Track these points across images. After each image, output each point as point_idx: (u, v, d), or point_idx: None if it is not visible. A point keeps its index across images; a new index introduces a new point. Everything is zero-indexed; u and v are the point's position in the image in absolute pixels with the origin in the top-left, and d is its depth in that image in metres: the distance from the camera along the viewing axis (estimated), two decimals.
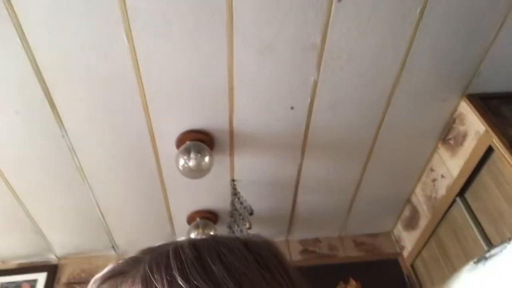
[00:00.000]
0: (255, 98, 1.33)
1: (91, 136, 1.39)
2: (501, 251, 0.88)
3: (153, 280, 0.34)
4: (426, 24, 1.19)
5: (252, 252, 0.38)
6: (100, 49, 1.15)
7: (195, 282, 0.33)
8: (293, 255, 2.03)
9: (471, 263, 0.99)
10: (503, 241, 0.92)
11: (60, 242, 1.88)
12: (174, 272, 0.34)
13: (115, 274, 0.38)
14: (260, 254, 0.39)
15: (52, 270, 1.89)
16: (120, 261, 0.39)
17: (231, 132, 1.43)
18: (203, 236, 0.41)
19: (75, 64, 1.18)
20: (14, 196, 1.57)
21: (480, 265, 0.95)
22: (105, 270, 0.39)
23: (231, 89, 1.28)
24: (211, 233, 1.76)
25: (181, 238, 0.41)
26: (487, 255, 0.96)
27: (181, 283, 0.33)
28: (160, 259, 0.36)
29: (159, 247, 0.39)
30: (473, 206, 1.49)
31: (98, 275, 0.39)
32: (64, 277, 1.90)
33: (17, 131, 1.34)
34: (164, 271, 0.35)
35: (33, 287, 1.83)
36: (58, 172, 1.51)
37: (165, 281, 0.34)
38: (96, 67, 1.18)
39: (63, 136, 1.37)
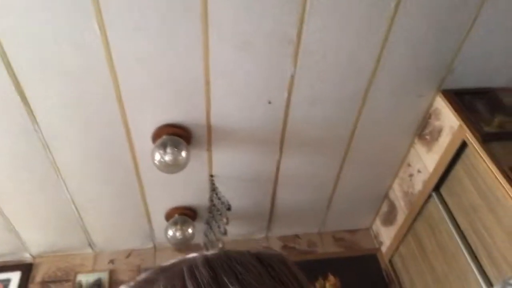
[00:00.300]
0: (232, 92, 1.32)
1: (64, 130, 1.36)
2: None
3: None
4: (401, 19, 1.20)
5: (265, 266, 0.38)
6: (72, 40, 1.12)
7: None
8: None
9: None
10: None
11: (35, 240, 1.84)
12: None
13: None
14: (273, 267, 0.38)
15: (26, 269, 1.85)
16: (132, 283, 0.38)
17: (209, 127, 1.42)
18: (214, 252, 0.40)
19: (47, 57, 1.15)
20: None
21: None
22: None
23: (207, 83, 1.27)
24: (190, 230, 1.74)
25: (193, 254, 0.40)
26: (511, 281, 1.00)
27: None
28: (175, 280, 0.35)
29: (172, 266, 0.38)
30: (448, 200, 1.52)
31: None
32: (39, 276, 1.85)
33: None
34: None
35: (6, 287, 1.79)
36: (31, 168, 1.48)
37: None
38: (68, 59, 1.16)
39: (35, 130, 1.34)
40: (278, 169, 1.66)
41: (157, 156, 1.34)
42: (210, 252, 0.40)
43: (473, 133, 1.31)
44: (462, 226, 1.45)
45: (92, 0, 1.04)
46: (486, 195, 1.32)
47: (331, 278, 1.88)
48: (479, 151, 1.29)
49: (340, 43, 1.24)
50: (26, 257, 1.90)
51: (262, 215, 1.93)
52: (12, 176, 1.50)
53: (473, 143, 1.31)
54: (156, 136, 1.37)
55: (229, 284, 0.34)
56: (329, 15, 1.17)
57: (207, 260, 0.37)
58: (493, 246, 1.31)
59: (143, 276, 0.38)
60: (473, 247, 1.40)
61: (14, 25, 1.07)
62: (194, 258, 0.38)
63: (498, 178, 1.22)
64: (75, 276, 1.85)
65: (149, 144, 1.40)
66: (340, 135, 1.56)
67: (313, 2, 1.13)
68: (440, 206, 1.53)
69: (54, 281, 1.84)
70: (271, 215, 1.94)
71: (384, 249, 2.01)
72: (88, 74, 1.21)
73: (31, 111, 1.28)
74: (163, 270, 0.38)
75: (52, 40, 1.11)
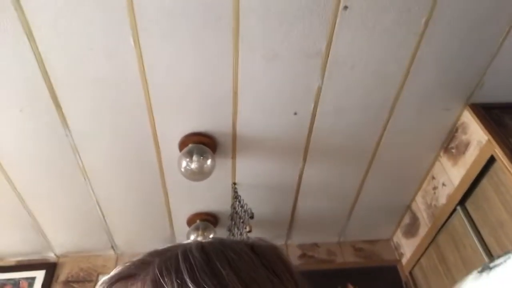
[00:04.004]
0: (259, 102, 1.34)
1: (94, 136, 1.40)
2: (505, 261, 0.88)
3: (163, 283, 0.34)
4: (431, 34, 1.19)
5: (259, 256, 0.39)
6: (107, 50, 1.15)
7: (205, 286, 0.33)
8: (292, 259, 2.03)
9: (475, 272, 1.00)
10: (507, 251, 0.92)
11: (60, 241, 1.88)
12: (184, 276, 0.34)
13: (124, 277, 0.38)
14: (267, 258, 0.39)
15: (50, 268, 1.89)
16: (128, 263, 0.39)
17: (234, 136, 1.43)
18: (209, 240, 0.41)
19: (81, 65, 1.18)
20: (15, 193, 1.57)
21: (484, 274, 0.95)
22: (113, 272, 0.38)
23: (235, 93, 1.28)
24: (211, 235, 1.76)
25: (188, 241, 0.41)
26: (491, 264, 0.97)
27: (191, 287, 0.33)
28: (170, 262, 0.36)
29: (168, 249, 0.39)
30: (474, 215, 1.49)
31: (105, 278, 0.38)
32: (62, 275, 1.90)
33: (20, 129, 1.35)
34: (174, 274, 0.35)
35: (31, 285, 1.83)
36: (60, 171, 1.52)
37: (175, 284, 0.34)
38: (102, 68, 1.19)
39: (66, 135, 1.38)
40: (300, 178, 1.67)
41: (183, 164, 1.36)
42: (206, 239, 0.41)
43: (502, 149, 1.30)
44: (488, 241, 1.43)
45: (128, 11, 1.07)
46: None
47: (350, 287, 1.88)
48: (508, 166, 1.28)
49: (369, 56, 1.24)
50: (51, 256, 1.94)
51: (283, 222, 1.93)
52: (41, 178, 1.54)
53: (502, 158, 1.29)
54: (182, 144, 1.39)
55: (221, 268, 0.35)
56: (359, 28, 1.17)
57: (202, 246, 0.38)
58: None
59: (139, 258, 0.39)
60: None
61: (52, 31, 1.10)
62: (189, 243, 0.39)
63: None
64: (97, 277, 1.89)
65: (175, 151, 1.42)
66: (365, 146, 1.56)
67: (343, 15, 1.13)
68: (465, 220, 1.51)
69: (77, 281, 1.88)
70: (291, 223, 1.94)
71: (404, 260, 1.99)
72: (120, 82, 1.24)
73: (63, 115, 1.32)
74: (159, 253, 0.39)
75: (87, 47, 1.14)
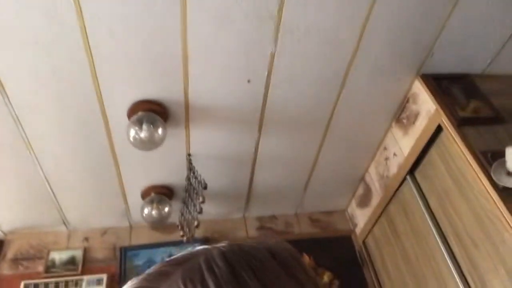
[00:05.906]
0: (211, 68, 1.30)
1: (36, 104, 1.32)
2: None
3: None
4: (382, 0, 1.19)
5: (280, 264, 0.38)
6: (45, 9, 1.07)
7: None
8: (250, 231, 2.04)
9: None
10: None
11: (7, 217, 1.80)
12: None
13: None
14: (287, 264, 0.38)
15: None
16: (144, 275, 0.36)
17: (186, 104, 1.39)
18: (227, 246, 0.39)
19: (17, 26, 1.10)
20: None
21: None
22: (128, 286, 0.36)
23: (185, 57, 1.24)
24: (166, 209, 1.73)
25: (203, 246, 0.39)
26: None
27: None
28: (193, 273, 0.34)
29: (187, 258, 0.37)
30: (422, 184, 1.54)
31: None
32: (10, 252, 1.82)
33: None
34: (200, 286, 0.33)
35: None
36: (2, 143, 1.43)
37: None
38: (40, 28, 1.11)
39: (6, 103, 1.29)
40: (256, 149, 1.66)
41: (132, 133, 1.31)
42: (221, 244, 0.39)
43: (448, 118, 1.33)
44: (434, 209, 1.48)
45: None
46: (458, 179, 1.35)
47: (306, 258, 1.92)
48: (453, 135, 1.31)
49: (322, 21, 1.22)
50: None
51: (240, 195, 1.93)
52: None
53: (448, 127, 1.33)
54: (131, 112, 1.34)
55: (247, 279, 0.34)
56: None
57: (223, 254, 0.37)
58: (461, 227, 1.34)
59: (155, 268, 0.37)
60: (443, 229, 1.43)
61: None
62: (209, 251, 0.37)
63: (470, 161, 1.25)
64: (48, 254, 1.82)
65: (124, 120, 1.36)
66: (319, 116, 1.56)
67: None
68: (414, 189, 1.56)
69: (26, 258, 1.81)
70: (249, 196, 1.94)
71: (358, 230, 2.05)
72: (60, 46, 1.16)
73: (1, 82, 1.23)
74: (179, 262, 0.37)
75: (24, 7, 1.06)
